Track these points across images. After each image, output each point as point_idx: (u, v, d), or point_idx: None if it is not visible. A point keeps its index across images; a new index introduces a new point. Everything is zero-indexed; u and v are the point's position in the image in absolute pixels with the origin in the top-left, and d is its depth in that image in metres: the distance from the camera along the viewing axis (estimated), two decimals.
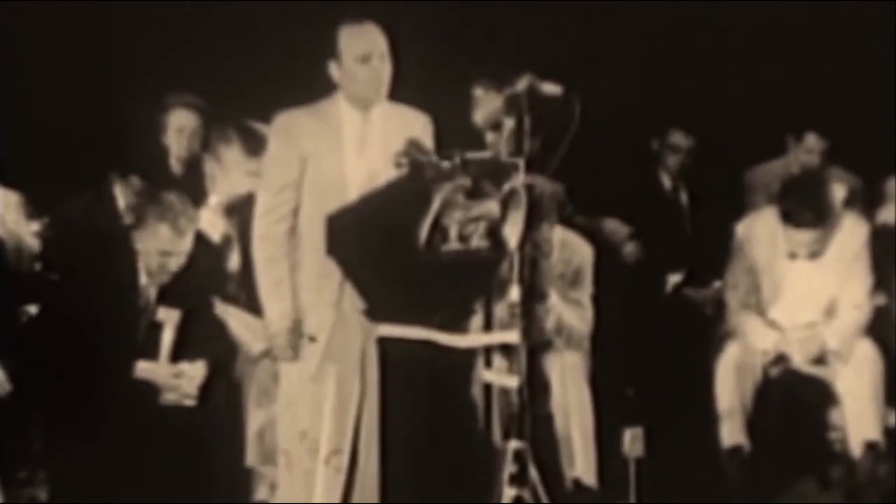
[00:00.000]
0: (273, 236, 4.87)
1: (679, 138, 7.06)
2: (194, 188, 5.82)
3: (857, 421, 5.86)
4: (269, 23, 6.95)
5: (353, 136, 4.89)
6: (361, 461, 4.94)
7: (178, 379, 5.45)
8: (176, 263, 5.47)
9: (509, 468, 4.62)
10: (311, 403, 4.87)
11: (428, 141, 4.93)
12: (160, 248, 5.43)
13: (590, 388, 5.88)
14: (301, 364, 4.88)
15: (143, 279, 5.48)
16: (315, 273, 4.85)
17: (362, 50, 4.84)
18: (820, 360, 5.93)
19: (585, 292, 5.97)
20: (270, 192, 4.89)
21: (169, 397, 5.46)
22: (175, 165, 6.32)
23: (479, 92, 6.22)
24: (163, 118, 6.32)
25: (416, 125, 4.95)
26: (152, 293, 5.49)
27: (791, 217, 5.84)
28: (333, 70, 4.89)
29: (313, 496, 4.88)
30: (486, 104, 6.13)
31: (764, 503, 5.84)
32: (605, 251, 6.29)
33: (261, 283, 4.91)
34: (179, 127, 6.30)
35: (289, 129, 4.89)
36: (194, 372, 5.48)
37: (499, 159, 4.69)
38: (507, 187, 4.58)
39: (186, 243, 5.47)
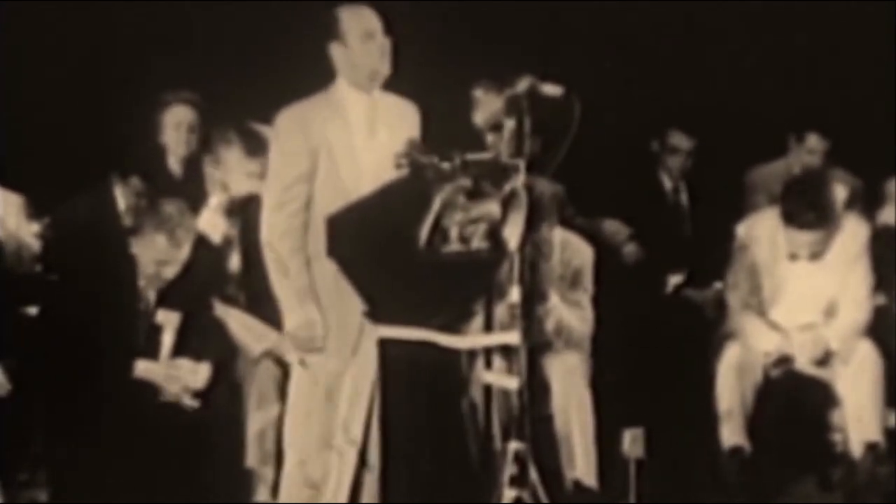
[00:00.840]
0: (290, 230, 4.86)
1: (679, 139, 7.05)
2: (194, 188, 5.82)
3: (857, 422, 5.85)
4: (267, 22, 6.94)
5: (361, 120, 4.91)
6: (371, 459, 4.94)
7: (178, 372, 5.45)
8: (172, 272, 5.48)
9: (510, 469, 4.63)
10: (329, 400, 4.88)
11: (417, 129, 4.96)
12: (156, 257, 5.45)
13: (590, 389, 5.88)
14: (325, 361, 4.89)
15: (142, 281, 5.49)
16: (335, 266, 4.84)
17: (366, 27, 4.88)
18: (824, 361, 5.92)
19: (585, 293, 5.97)
20: (281, 186, 4.87)
21: (171, 392, 5.44)
22: (174, 164, 6.32)
23: (479, 93, 6.22)
24: (160, 116, 6.32)
25: (408, 112, 4.99)
26: (152, 295, 5.49)
27: (793, 218, 5.82)
28: (336, 51, 4.90)
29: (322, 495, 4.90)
30: (486, 105, 6.14)
31: None
32: (605, 252, 6.29)
33: (278, 279, 4.89)
34: (177, 122, 6.30)
35: (298, 122, 4.89)
36: (196, 367, 5.48)
37: (499, 160, 4.69)
38: (507, 188, 4.59)
39: (182, 253, 5.48)
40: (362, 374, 4.90)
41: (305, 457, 4.92)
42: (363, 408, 4.92)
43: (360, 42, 4.87)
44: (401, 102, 5.01)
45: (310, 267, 4.87)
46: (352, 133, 4.89)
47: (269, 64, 6.73)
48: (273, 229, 4.88)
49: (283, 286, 4.89)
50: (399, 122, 4.93)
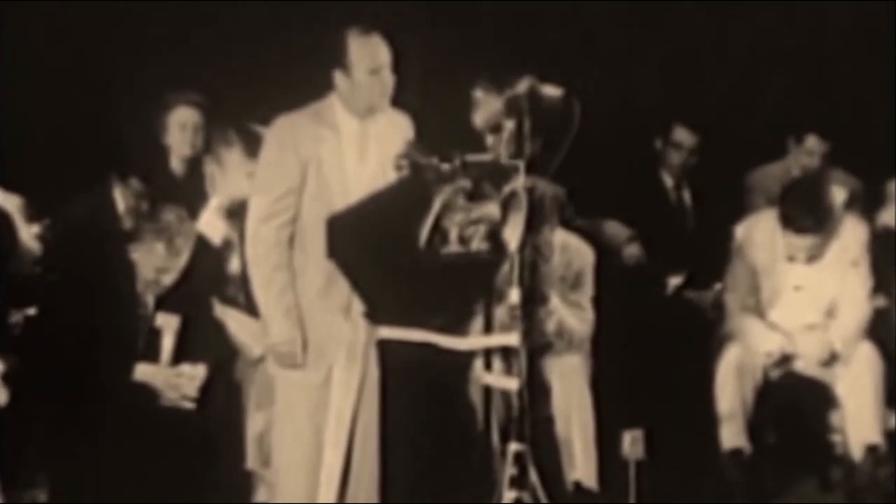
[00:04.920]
0: (278, 244, 4.85)
1: (683, 135, 7.03)
2: (196, 189, 5.82)
3: (857, 423, 5.85)
4: (270, 24, 6.95)
5: (353, 138, 4.89)
6: (356, 464, 4.93)
7: (178, 379, 5.45)
8: (170, 279, 5.47)
9: (510, 470, 4.63)
10: (315, 410, 4.87)
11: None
12: (156, 264, 5.45)
13: (590, 391, 5.88)
14: (307, 371, 4.88)
15: (140, 287, 5.49)
16: (322, 278, 4.84)
17: (374, 63, 4.84)
18: (829, 362, 5.91)
19: (586, 295, 5.97)
20: (271, 197, 4.86)
21: (170, 396, 5.44)
22: (177, 165, 6.32)
23: (479, 94, 6.18)
24: (165, 116, 6.32)
25: (402, 126, 4.96)
26: (151, 300, 5.49)
27: (791, 222, 5.82)
28: (339, 79, 4.87)
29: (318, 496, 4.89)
30: (486, 106, 6.11)
31: None
32: (605, 253, 6.29)
33: (264, 292, 4.89)
34: (182, 123, 6.30)
35: (290, 133, 4.87)
36: (194, 373, 5.48)
37: (499, 162, 4.69)
38: (507, 190, 4.59)
39: (182, 261, 5.47)
40: (347, 387, 4.88)
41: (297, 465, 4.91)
42: (347, 418, 4.90)
43: (365, 76, 4.83)
44: (394, 117, 4.98)
45: (294, 282, 4.86)
46: (343, 150, 4.87)
47: (272, 65, 6.72)
48: (260, 241, 4.86)
49: (267, 300, 4.88)
50: (391, 138, 4.89)
